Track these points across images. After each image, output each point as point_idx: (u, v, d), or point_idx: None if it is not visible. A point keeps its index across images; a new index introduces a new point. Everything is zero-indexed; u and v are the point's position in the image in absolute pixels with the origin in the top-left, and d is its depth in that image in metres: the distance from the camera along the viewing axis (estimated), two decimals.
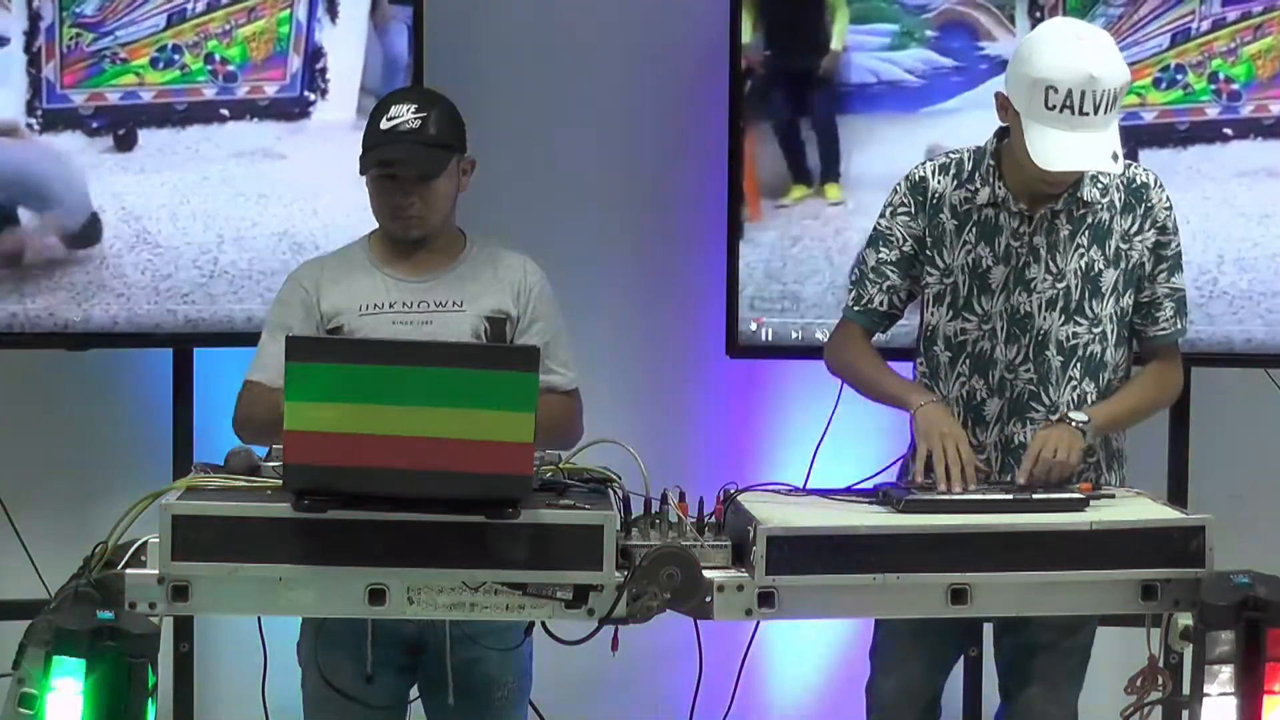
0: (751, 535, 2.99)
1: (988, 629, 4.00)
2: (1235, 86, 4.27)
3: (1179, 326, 3.58)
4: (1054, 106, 3.31)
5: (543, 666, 3.61)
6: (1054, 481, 3.31)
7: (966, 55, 4.40)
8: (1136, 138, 4.19)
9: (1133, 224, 3.52)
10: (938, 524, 3.10)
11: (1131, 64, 3.92)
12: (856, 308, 3.63)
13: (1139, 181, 3.54)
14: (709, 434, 4.81)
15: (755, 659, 3.63)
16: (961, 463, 3.33)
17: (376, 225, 3.65)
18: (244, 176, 4.25)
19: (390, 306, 3.56)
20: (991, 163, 3.53)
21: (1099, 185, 3.51)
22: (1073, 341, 3.52)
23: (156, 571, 2.93)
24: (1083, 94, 3.29)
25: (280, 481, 2.99)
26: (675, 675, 3.42)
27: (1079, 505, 3.21)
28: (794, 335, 4.43)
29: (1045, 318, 3.51)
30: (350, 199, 3.97)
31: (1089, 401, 3.52)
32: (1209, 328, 4.34)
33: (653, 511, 3.08)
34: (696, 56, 4.69)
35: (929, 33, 4.39)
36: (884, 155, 4.38)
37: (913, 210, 3.57)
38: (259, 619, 3.36)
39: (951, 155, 3.60)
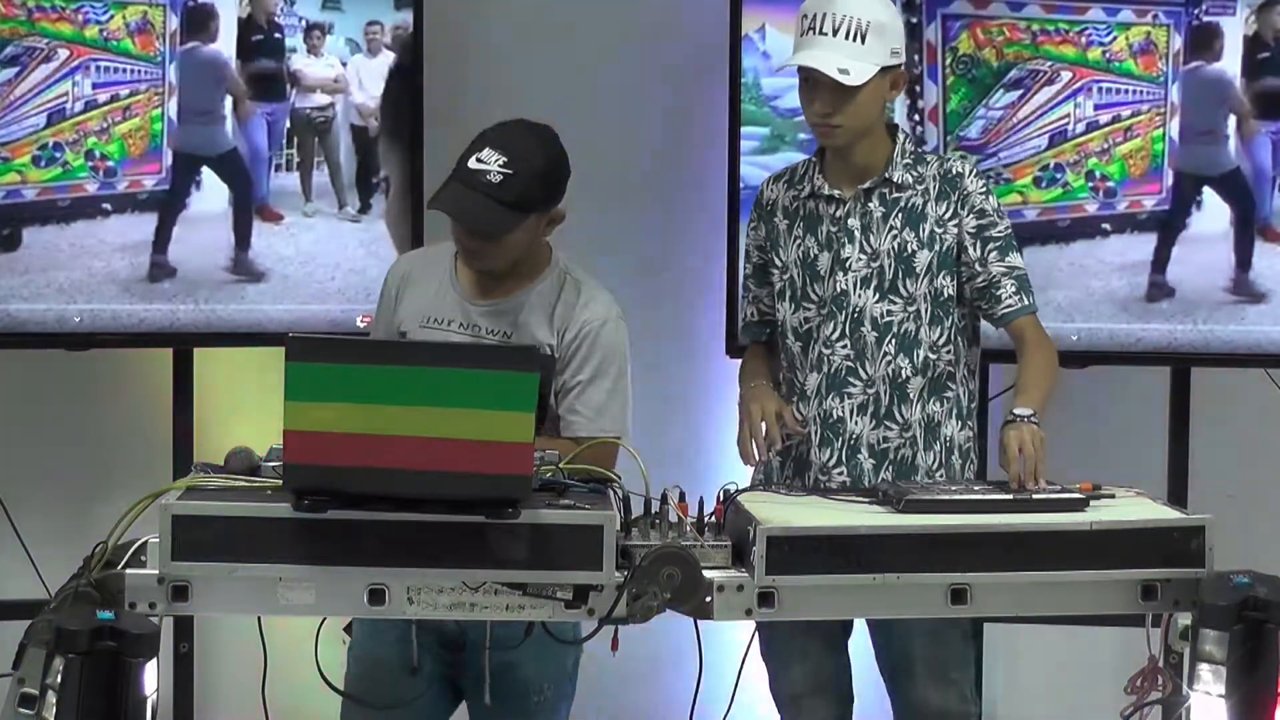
0: (751, 535, 2.99)
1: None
2: (1110, 184, 4.45)
3: (1026, 302, 3.66)
4: (802, 33, 3.61)
5: None
6: (1036, 475, 3.32)
7: None
8: (1020, 235, 4.19)
9: (947, 209, 3.65)
10: (938, 524, 3.10)
11: (1012, 164, 4.33)
12: (740, 325, 3.92)
13: (954, 171, 3.69)
14: (709, 434, 4.81)
15: (755, 659, 3.63)
16: (765, 424, 3.57)
17: None
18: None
19: (448, 324, 3.54)
20: (814, 159, 3.72)
21: (914, 172, 3.66)
22: (887, 319, 3.64)
23: (156, 571, 2.93)
24: (822, 16, 3.56)
25: (280, 481, 3.00)
26: (675, 675, 3.42)
27: (1079, 505, 3.21)
28: None
29: (860, 295, 3.65)
30: (229, 290, 4.26)
31: (903, 376, 3.64)
32: None
33: (653, 511, 3.08)
34: (696, 56, 4.69)
35: (802, 136, 4.43)
36: None
37: (756, 223, 3.81)
38: (259, 619, 3.36)
39: (790, 166, 3.84)
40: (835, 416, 3.66)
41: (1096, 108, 4.45)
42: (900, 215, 3.65)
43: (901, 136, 3.70)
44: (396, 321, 3.59)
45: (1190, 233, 4.45)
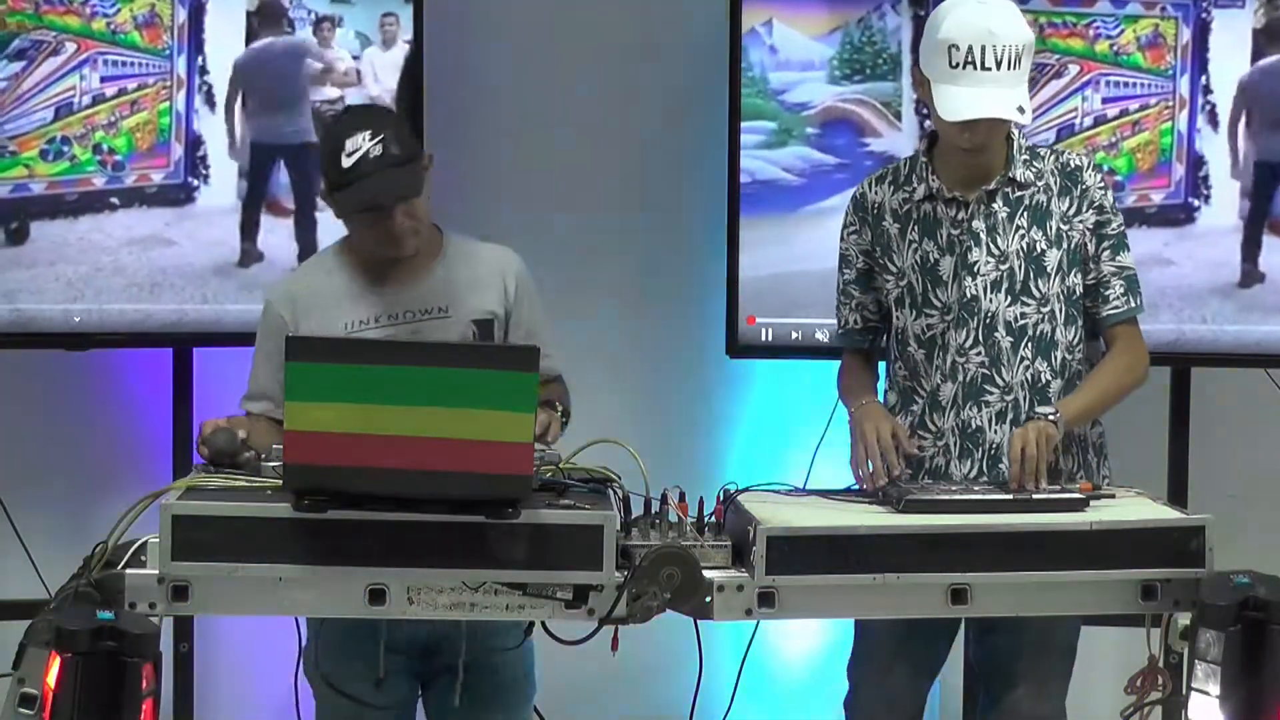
0: (751, 535, 2.99)
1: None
2: (1118, 178, 4.41)
3: (1133, 304, 3.60)
4: (957, 64, 3.40)
5: (543, 667, 3.61)
6: (1036, 476, 3.30)
7: (850, 152, 4.43)
8: None
9: (1070, 206, 3.57)
10: (938, 524, 3.10)
11: None
12: (840, 332, 3.75)
13: (1073, 165, 3.60)
14: (709, 434, 4.81)
15: (755, 659, 3.63)
16: (881, 449, 3.40)
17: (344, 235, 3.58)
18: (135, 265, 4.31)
19: (376, 321, 3.48)
20: (924, 159, 3.61)
21: (1033, 168, 3.57)
22: (1021, 322, 3.55)
23: (156, 571, 2.93)
24: (983, 49, 3.39)
25: (280, 481, 3.00)
26: (675, 675, 3.42)
27: (1079, 505, 3.21)
28: (794, 335, 4.43)
29: (992, 299, 3.55)
30: (235, 280, 4.27)
31: (1043, 381, 3.55)
32: None
33: (653, 511, 3.08)
34: (696, 56, 4.69)
35: (809, 130, 4.43)
36: (758, 259, 4.42)
37: (858, 226, 3.66)
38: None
39: (889, 166, 3.71)
40: (974, 426, 3.55)
41: (1104, 101, 4.42)
42: (1026, 214, 3.55)
43: (1015, 133, 3.58)
44: None
45: (1196, 228, 4.44)
